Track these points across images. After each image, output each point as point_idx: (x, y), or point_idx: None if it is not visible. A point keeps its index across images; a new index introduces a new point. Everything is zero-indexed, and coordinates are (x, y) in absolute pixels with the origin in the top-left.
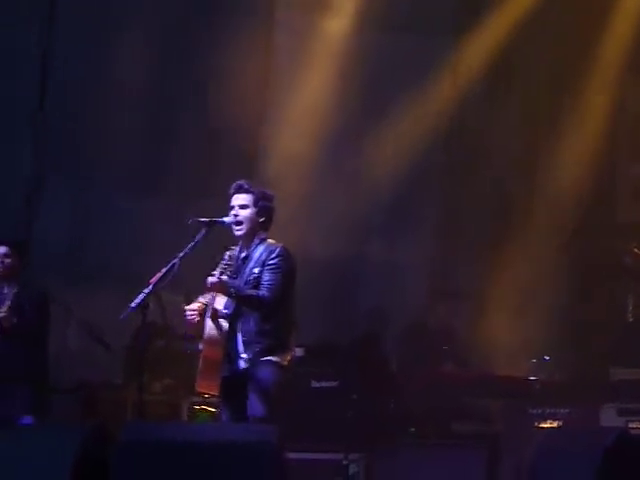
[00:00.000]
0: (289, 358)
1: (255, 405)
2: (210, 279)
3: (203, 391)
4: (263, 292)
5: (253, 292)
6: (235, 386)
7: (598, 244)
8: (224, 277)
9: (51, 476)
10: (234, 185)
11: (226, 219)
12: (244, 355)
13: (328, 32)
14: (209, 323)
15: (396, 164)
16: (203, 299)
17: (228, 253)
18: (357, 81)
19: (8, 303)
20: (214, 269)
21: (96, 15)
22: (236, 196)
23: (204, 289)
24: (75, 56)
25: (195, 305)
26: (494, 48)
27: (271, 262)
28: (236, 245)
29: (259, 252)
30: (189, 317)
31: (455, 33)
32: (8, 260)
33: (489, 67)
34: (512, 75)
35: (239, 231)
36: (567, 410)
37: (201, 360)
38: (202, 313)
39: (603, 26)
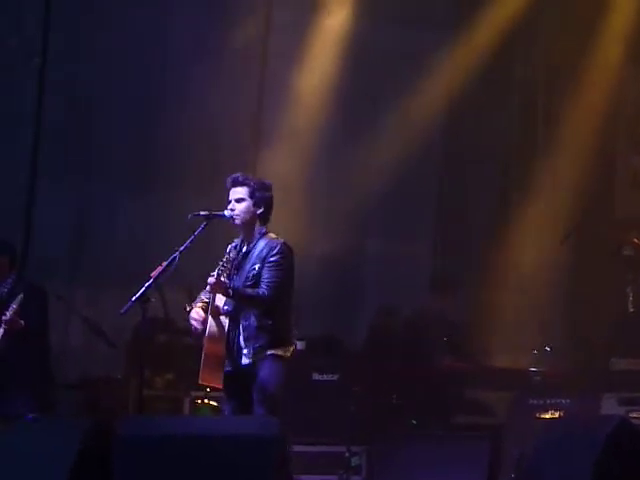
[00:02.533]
0: (291, 349)
1: (259, 400)
2: (209, 279)
3: (206, 384)
4: (263, 290)
5: (252, 292)
6: (238, 382)
7: (598, 235)
8: (222, 278)
9: (53, 471)
10: (230, 178)
11: (226, 212)
12: (245, 351)
13: (325, 26)
14: (210, 320)
15: (394, 156)
16: (204, 296)
17: (230, 247)
18: (355, 74)
19: (15, 307)
20: (215, 269)
21: (91, 15)
22: (233, 190)
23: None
24: (72, 55)
25: (197, 311)
26: (493, 38)
27: (272, 259)
28: (237, 238)
29: (260, 248)
30: (192, 327)
31: (455, 25)
32: None
33: (488, 56)
34: (511, 67)
35: (235, 224)
36: (568, 401)
37: (203, 355)
38: (204, 321)
39: (603, 17)
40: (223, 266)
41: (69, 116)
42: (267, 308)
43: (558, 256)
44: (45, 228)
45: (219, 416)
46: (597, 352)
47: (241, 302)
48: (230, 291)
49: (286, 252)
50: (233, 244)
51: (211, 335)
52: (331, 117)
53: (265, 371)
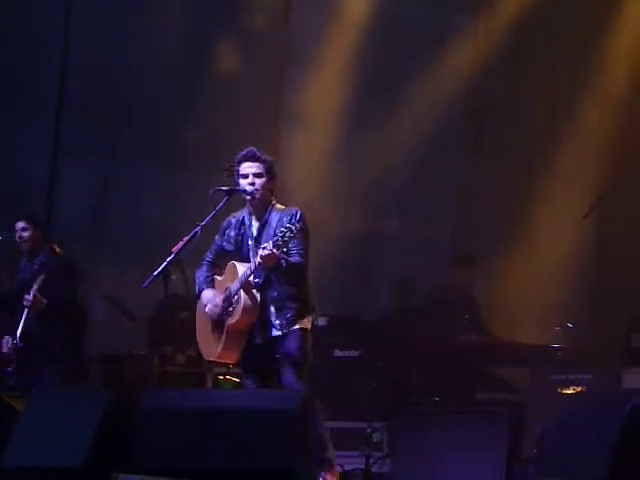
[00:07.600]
0: (311, 319)
1: (289, 370)
2: (263, 252)
3: (220, 360)
4: (296, 258)
5: (293, 260)
6: (260, 355)
7: (621, 210)
8: (276, 250)
9: (75, 441)
10: (245, 152)
11: (247, 187)
12: (277, 322)
13: (346, 11)
14: (243, 294)
15: (413, 137)
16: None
17: (231, 220)
18: (377, 57)
19: (36, 287)
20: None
21: None
22: (249, 164)
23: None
24: (97, 32)
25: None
26: (512, 22)
27: (297, 226)
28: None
29: (277, 218)
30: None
31: (473, 10)
32: (26, 234)
33: (507, 40)
34: (531, 49)
35: (255, 199)
36: (589, 376)
37: (226, 330)
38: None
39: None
40: (279, 240)
41: (92, 93)
42: (300, 276)
43: (584, 232)
44: (68, 205)
45: (242, 390)
46: (619, 327)
47: (285, 271)
48: (282, 261)
49: (305, 219)
50: (234, 219)
51: (246, 309)
52: (351, 98)
53: (293, 343)
